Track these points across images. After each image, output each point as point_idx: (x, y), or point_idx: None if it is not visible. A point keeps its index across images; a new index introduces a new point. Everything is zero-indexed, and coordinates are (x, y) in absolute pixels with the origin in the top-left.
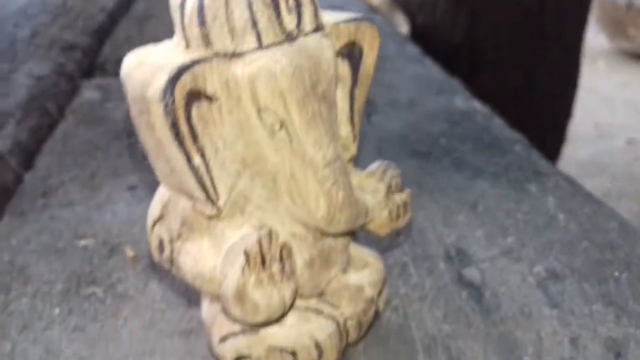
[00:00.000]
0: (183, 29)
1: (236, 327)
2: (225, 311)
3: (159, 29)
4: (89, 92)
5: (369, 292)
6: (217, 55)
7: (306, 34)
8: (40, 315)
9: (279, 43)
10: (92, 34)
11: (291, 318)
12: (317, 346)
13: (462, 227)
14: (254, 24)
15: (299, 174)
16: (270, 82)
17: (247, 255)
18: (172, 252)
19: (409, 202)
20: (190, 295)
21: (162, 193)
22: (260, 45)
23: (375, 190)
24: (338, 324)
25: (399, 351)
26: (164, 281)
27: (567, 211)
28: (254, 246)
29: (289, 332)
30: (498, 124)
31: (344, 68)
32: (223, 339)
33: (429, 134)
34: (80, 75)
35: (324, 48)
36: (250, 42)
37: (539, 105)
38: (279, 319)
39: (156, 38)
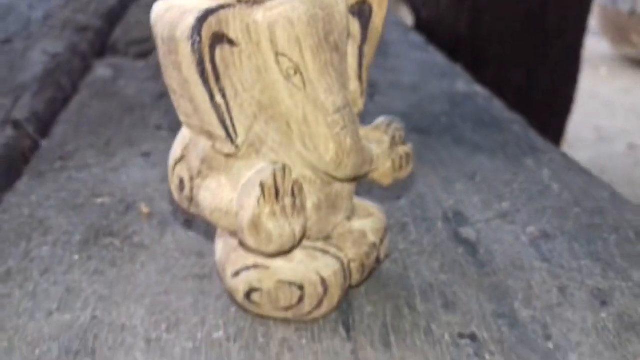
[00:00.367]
0: None
1: (249, 262)
2: (241, 241)
3: None
4: (101, 70)
5: (372, 237)
6: (240, 2)
7: None
8: (61, 261)
9: None
10: (103, 17)
11: (299, 255)
12: (323, 282)
13: (460, 194)
14: None
15: (310, 118)
16: (287, 28)
17: (262, 186)
18: (191, 189)
19: (411, 154)
20: (203, 247)
21: (183, 136)
22: None
23: (379, 142)
24: (342, 264)
25: (398, 295)
26: (178, 234)
27: (560, 182)
28: (269, 178)
29: (297, 268)
30: (498, 105)
31: (355, 25)
32: (236, 274)
33: (430, 113)
34: (93, 55)
35: (337, 1)
36: None
37: (539, 102)
38: (289, 250)
39: None
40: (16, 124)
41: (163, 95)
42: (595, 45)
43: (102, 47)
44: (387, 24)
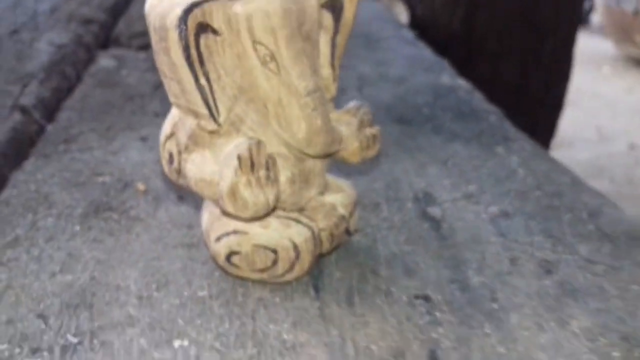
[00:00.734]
0: None
1: (229, 228)
2: (221, 208)
3: None
4: (105, 60)
5: (341, 210)
6: None
7: None
8: (64, 230)
9: None
10: (107, 11)
11: (275, 223)
12: (295, 248)
13: (432, 177)
14: None
15: (285, 101)
16: (263, 19)
17: (239, 158)
18: (179, 162)
19: (378, 135)
20: (192, 220)
21: (172, 115)
22: None
23: (348, 123)
24: (313, 232)
25: (365, 264)
26: (170, 209)
27: (526, 168)
28: (245, 151)
29: (272, 234)
30: (478, 97)
31: (328, 19)
32: (218, 239)
33: (414, 105)
34: (97, 46)
35: None
36: None
37: (531, 97)
38: (263, 216)
39: None
40: (23, 110)
41: (161, 85)
42: (599, 44)
43: (106, 39)
44: (379, 21)
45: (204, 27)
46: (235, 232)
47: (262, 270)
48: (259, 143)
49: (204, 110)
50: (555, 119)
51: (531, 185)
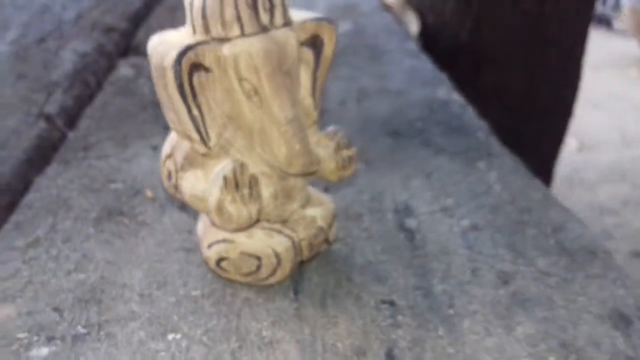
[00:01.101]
0: (192, 20)
1: (219, 237)
2: (211, 220)
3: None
4: (124, 69)
5: (320, 222)
6: (213, 39)
7: (277, 28)
8: (79, 232)
9: (256, 33)
10: (129, 19)
11: (259, 233)
12: (277, 255)
13: (414, 190)
14: (239, 19)
15: (267, 128)
16: (247, 60)
17: (225, 179)
18: (176, 179)
19: (353, 157)
20: (192, 226)
21: (171, 137)
22: (243, 34)
23: (326, 146)
24: (294, 242)
25: (341, 270)
26: (174, 215)
27: (503, 183)
28: (229, 173)
29: (256, 243)
30: (469, 113)
31: (309, 54)
32: (210, 246)
33: (408, 119)
34: (117, 55)
35: (289, 38)
36: (235, 31)
37: (538, 105)
38: (246, 228)
39: (183, 25)
40: (48, 118)
41: None
42: (625, 46)
43: (126, 47)
44: (386, 33)
45: (196, 66)
46: (224, 240)
47: (247, 275)
48: (242, 165)
49: (196, 136)
50: (564, 127)
51: (505, 200)
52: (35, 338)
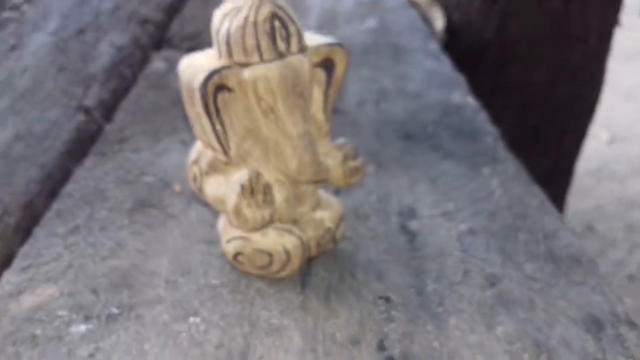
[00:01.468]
0: (218, 45)
1: (236, 234)
2: (229, 221)
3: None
4: (157, 63)
5: (328, 224)
6: (235, 64)
7: (292, 54)
8: (114, 222)
9: (273, 59)
10: (164, 10)
11: (271, 232)
12: (287, 252)
13: (420, 193)
14: (258, 47)
15: (281, 142)
16: (265, 83)
17: (242, 186)
18: (201, 183)
19: (360, 167)
20: (214, 220)
21: (198, 145)
22: (262, 60)
23: (335, 157)
24: (302, 241)
25: (345, 267)
26: (199, 209)
27: (504, 189)
28: (246, 181)
29: (268, 241)
30: (481, 118)
31: (322, 75)
32: (228, 241)
33: (421, 122)
34: (152, 47)
35: (303, 63)
36: (255, 57)
37: (560, 103)
38: (260, 229)
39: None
40: (86, 111)
41: None
42: None
43: (160, 40)
44: (410, 31)
45: (220, 87)
46: (240, 237)
47: (260, 268)
48: (258, 174)
49: (218, 147)
50: (586, 125)
51: (503, 206)
52: (74, 316)
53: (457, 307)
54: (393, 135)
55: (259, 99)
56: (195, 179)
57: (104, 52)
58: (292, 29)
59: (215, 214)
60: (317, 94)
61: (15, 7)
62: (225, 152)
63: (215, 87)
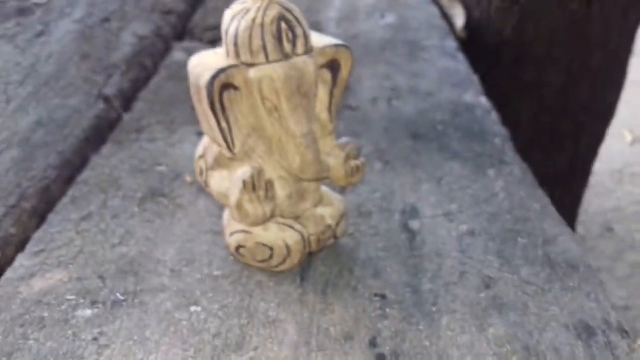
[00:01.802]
0: (226, 45)
1: (239, 228)
2: (232, 215)
3: None
4: (178, 54)
5: (329, 221)
6: (242, 63)
7: (298, 55)
8: (126, 210)
9: (279, 60)
10: (187, 1)
11: (273, 227)
12: (287, 247)
13: (423, 193)
14: (264, 48)
15: (284, 140)
16: (270, 83)
17: (244, 182)
18: (207, 177)
19: (361, 166)
20: (221, 212)
21: (205, 140)
22: (267, 61)
23: (337, 156)
24: (303, 236)
25: (344, 263)
26: (207, 201)
27: (507, 192)
28: (248, 177)
29: (270, 235)
30: (492, 119)
31: (327, 75)
32: (231, 234)
33: (431, 121)
34: (173, 38)
35: (308, 65)
36: (261, 58)
37: (577, 105)
38: (261, 223)
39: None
40: (107, 99)
41: None
42: None
43: (182, 31)
44: (428, 28)
45: (227, 86)
46: (243, 231)
47: (261, 261)
48: (260, 171)
49: (224, 144)
50: (604, 127)
51: (505, 209)
52: (81, 301)
53: (451, 307)
54: (402, 133)
55: (263, 98)
56: (201, 172)
57: (126, 42)
58: (298, 30)
59: (222, 206)
60: (322, 94)
61: None
62: (230, 148)
63: (222, 86)
